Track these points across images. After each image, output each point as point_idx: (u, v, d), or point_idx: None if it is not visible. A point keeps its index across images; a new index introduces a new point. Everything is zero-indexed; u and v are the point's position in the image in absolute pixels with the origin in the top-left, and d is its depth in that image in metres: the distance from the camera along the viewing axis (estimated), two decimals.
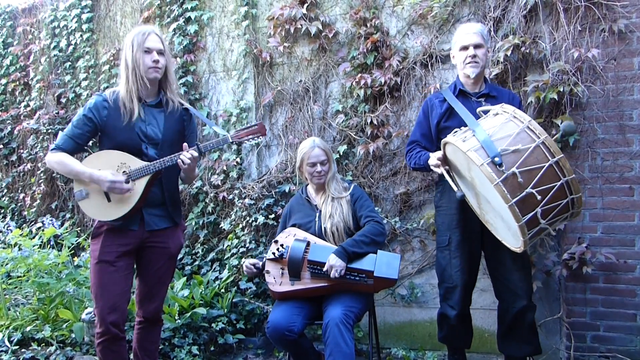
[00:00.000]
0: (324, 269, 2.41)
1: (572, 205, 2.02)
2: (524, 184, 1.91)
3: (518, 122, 2.02)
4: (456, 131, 2.22)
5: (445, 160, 2.32)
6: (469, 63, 2.47)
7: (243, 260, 2.73)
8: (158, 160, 2.21)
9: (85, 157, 2.27)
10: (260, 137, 2.32)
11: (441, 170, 2.32)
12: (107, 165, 2.21)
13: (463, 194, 2.22)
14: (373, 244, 2.48)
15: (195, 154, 2.20)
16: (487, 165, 1.92)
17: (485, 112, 2.26)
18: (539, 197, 1.92)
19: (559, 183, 1.95)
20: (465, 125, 2.22)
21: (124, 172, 2.20)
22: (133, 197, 2.20)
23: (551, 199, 1.95)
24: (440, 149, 2.34)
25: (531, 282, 2.52)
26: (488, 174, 1.91)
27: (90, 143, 2.35)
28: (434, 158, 2.36)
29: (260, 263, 2.61)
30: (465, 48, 2.48)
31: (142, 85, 2.24)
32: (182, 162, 2.19)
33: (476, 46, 2.45)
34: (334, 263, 2.39)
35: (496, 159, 1.92)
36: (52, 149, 2.26)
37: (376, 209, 3.28)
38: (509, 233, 2.11)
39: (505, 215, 2.00)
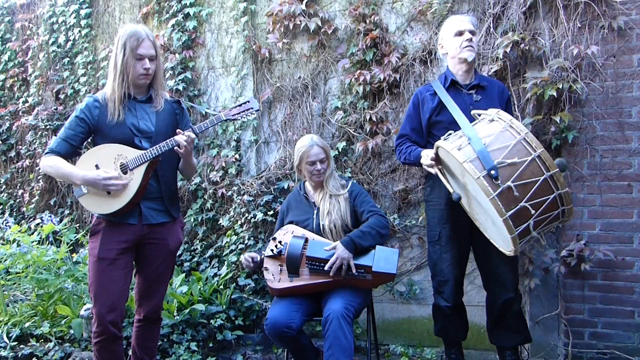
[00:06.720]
0: (332, 255, 2.40)
1: (562, 214, 2.04)
2: (518, 198, 1.91)
3: (515, 133, 1.99)
4: (450, 134, 2.20)
5: (437, 159, 2.30)
6: (466, 47, 2.46)
7: (242, 256, 2.72)
8: (154, 147, 2.19)
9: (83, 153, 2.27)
10: (253, 112, 2.30)
11: (435, 170, 2.32)
12: (105, 158, 2.21)
13: (459, 196, 2.21)
14: (379, 236, 2.48)
15: (192, 135, 2.19)
16: (483, 179, 1.90)
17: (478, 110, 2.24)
18: (532, 211, 1.92)
19: (552, 196, 1.95)
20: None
21: (121, 163, 2.20)
22: (132, 186, 2.19)
23: (543, 211, 1.96)
24: (431, 142, 2.32)
25: (517, 274, 2.57)
26: (484, 188, 1.89)
27: (84, 146, 2.34)
28: (426, 158, 2.35)
29: (259, 257, 2.60)
30: (460, 33, 2.47)
31: (129, 87, 2.24)
32: (179, 144, 2.17)
33: (471, 32, 2.47)
34: (342, 254, 2.38)
35: (492, 172, 1.90)
36: (46, 153, 2.25)
37: None
38: (499, 238, 2.12)
39: (497, 224, 1.99)
